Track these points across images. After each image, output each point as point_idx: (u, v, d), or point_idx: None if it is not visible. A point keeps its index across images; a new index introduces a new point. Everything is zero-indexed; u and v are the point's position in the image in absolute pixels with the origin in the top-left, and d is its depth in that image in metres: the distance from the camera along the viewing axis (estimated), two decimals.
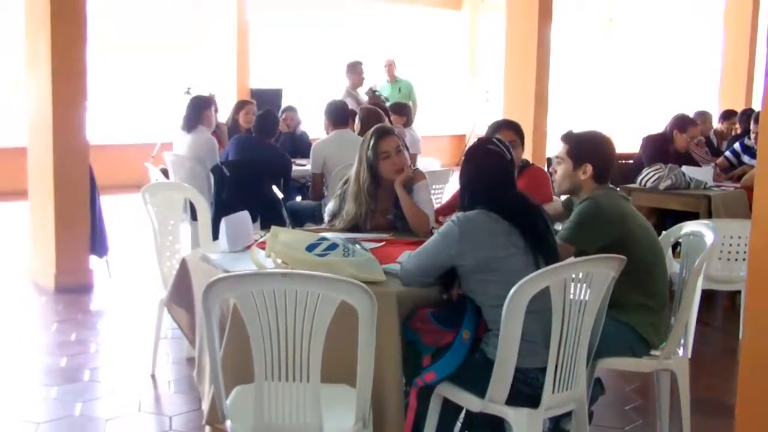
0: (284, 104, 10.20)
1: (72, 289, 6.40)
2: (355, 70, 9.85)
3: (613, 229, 3.51)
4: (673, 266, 3.81)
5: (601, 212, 3.55)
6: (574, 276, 2.96)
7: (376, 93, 9.84)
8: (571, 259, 3.07)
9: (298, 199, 7.26)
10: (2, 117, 11.65)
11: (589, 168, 3.63)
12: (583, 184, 3.66)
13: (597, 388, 3.66)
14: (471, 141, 13.23)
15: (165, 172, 7.04)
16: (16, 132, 9.89)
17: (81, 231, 6.56)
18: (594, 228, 3.53)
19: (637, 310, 3.51)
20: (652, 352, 3.57)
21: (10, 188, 9.60)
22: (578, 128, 3.92)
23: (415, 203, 4.14)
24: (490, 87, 15.75)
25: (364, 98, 9.62)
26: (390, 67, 11.22)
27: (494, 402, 3.00)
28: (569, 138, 3.73)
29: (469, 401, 3.09)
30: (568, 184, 3.71)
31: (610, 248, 3.19)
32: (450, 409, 3.26)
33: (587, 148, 3.68)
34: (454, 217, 3.22)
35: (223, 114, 8.07)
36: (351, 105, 9.32)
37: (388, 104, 9.03)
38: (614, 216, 3.55)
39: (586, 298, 3.02)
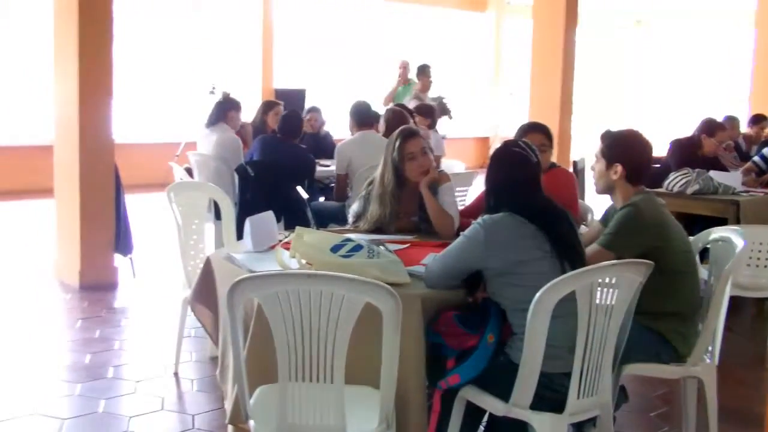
0: (308, 105, 10.22)
1: (96, 286, 6.44)
2: (424, 73, 9.72)
3: (652, 238, 3.47)
4: (701, 272, 3.76)
5: (641, 220, 3.51)
6: (600, 280, 2.93)
7: (444, 101, 9.71)
8: (598, 264, 3.03)
9: (322, 199, 7.25)
10: (29, 116, 11.76)
11: (619, 168, 3.60)
12: (616, 184, 3.63)
13: (621, 394, 3.62)
14: (495, 143, 13.25)
15: (189, 171, 7.06)
16: (43, 130, 9.97)
17: (106, 229, 6.60)
18: (633, 236, 3.48)
19: (666, 317, 3.47)
20: (679, 360, 3.53)
21: (37, 186, 9.67)
22: (615, 128, 3.88)
23: (440, 205, 4.12)
24: (515, 89, 15.70)
25: (430, 104, 9.53)
26: (404, 69, 10.97)
27: (518, 406, 2.98)
28: (605, 137, 3.70)
29: (492, 405, 3.07)
30: (603, 183, 3.68)
31: (647, 256, 3.15)
32: (473, 413, 3.24)
33: (618, 149, 3.64)
34: (479, 219, 3.20)
35: (248, 114, 8.09)
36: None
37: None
38: (654, 224, 3.52)
39: (613, 303, 2.99)
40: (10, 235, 8.77)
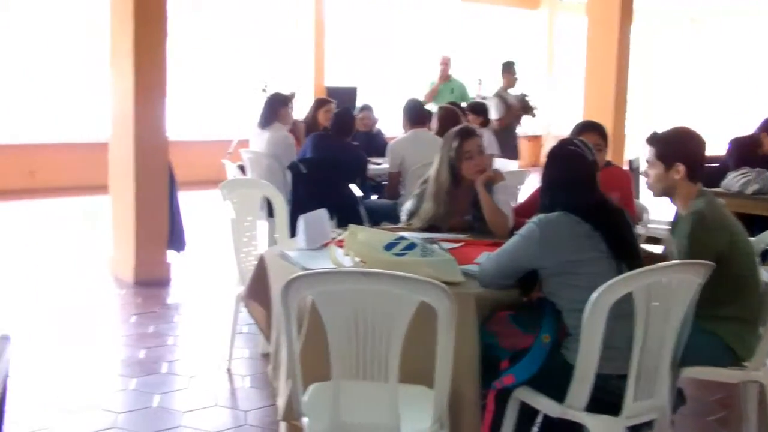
0: (359, 103, 10.19)
1: (150, 282, 6.51)
2: (509, 70, 9.59)
3: (720, 245, 3.39)
4: (762, 274, 3.67)
5: (709, 228, 3.42)
6: (658, 282, 2.88)
7: (526, 98, 9.58)
8: (657, 264, 2.97)
9: (374, 197, 7.25)
10: (85, 113, 11.95)
11: (681, 167, 3.52)
12: (678, 184, 3.55)
13: (678, 398, 3.56)
14: (548, 142, 13.10)
15: (242, 169, 7.10)
16: (99, 128, 10.12)
17: (160, 225, 6.68)
18: (704, 245, 3.39)
19: (727, 321, 3.40)
20: (739, 363, 3.46)
21: (93, 182, 9.81)
22: (663, 128, 3.80)
23: (495, 204, 4.09)
24: (568, 87, 15.55)
25: (513, 101, 9.44)
26: (445, 65, 10.69)
27: (573, 408, 2.94)
28: (655, 140, 3.62)
29: (547, 406, 3.04)
30: (662, 186, 3.60)
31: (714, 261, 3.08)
32: (527, 413, 3.21)
33: (675, 147, 3.57)
34: (534, 218, 3.16)
35: (300, 112, 8.11)
36: (498, 107, 9.13)
37: (437, 105, 8.76)
38: (720, 231, 3.44)
39: (671, 304, 2.94)
40: (66, 230, 8.92)
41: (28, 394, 4.22)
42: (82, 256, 7.54)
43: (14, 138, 11.67)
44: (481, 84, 11.78)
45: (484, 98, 9.87)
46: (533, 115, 10.01)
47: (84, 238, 8.30)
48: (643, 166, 3.82)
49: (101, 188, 7.23)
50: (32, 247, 7.95)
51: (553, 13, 17.02)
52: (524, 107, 9.48)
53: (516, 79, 9.78)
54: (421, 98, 9.03)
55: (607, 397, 2.93)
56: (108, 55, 6.89)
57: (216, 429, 3.94)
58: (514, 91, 9.82)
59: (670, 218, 3.89)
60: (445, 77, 10.62)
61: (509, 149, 8.84)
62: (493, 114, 9.07)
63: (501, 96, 9.43)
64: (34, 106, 12.09)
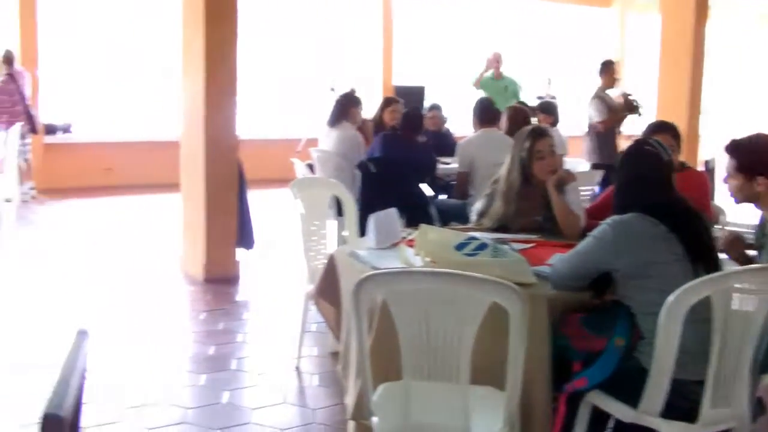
0: (426, 102, 10.18)
1: (220, 279, 6.59)
2: (608, 69, 9.20)
3: None
4: None
5: None
6: (739, 286, 2.80)
7: (630, 97, 9.22)
8: (737, 268, 2.90)
9: (442, 197, 7.22)
10: (162, 111, 12.16)
11: (763, 181, 3.39)
12: (761, 194, 3.44)
13: (757, 406, 3.45)
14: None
15: (311, 167, 7.14)
16: (170, 126, 10.28)
17: (230, 223, 6.75)
18: None
19: None
20: None
21: (167, 180, 9.97)
22: (739, 134, 3.68)
23: (567, 204, 4.04)
24: (639, 87, 15.29)
25: (612, 102, 8.98)
26: (497, 62, 10.56)
27: (647, 414, 2.88)
28: (734, 150, 3.48)
29: (620, 411, 2.98)
30: (743, 196, 3.48)
31: None
32: (599, 417, 3.15)
33: (756, 159, 3.43)
34: (608, 219, 3.11)
35: (369, 111, 8.12)
36: (600, 108, 8.69)
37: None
38: None
39: (751, 309, 2.85)
40: (140, 227, 9.08)
41: (100, 388, 4.29)
42: (154, 252, 7.67)
43: (92, 136, 11.95)
44: (550, 84, 11.61)
45: (553, 98, 9.74)
46: (639, 114, 9.21)
47: (156, 235, 8.44)
48: (719, 168, 3.72)
49: (175, 186, 7.34)
50: (107, 243, 8.11)
51: (624, 11, 16.75)
52: (629, 107, 9.02)
53: (617, 79, 9.22)
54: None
55: (682, 403, 2.86)
56: (180, 54, 6.99)
57: (284, 426, 3.96)
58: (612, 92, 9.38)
59: (752, 221, 3.78)
60: (498, 74, 10.52)
61: (608, 152, 8.40)
62: (595, 116, 8.65)
63: (601, 97, 8.88)
64: (111, 104, 12.37)
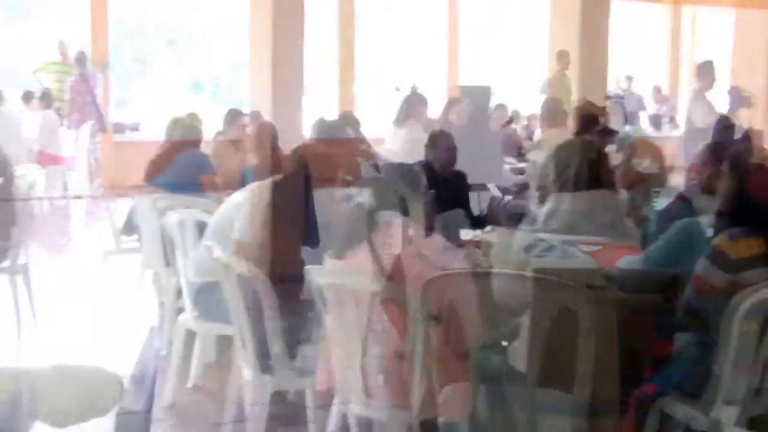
0: (492, 102, 10.12)
1: (284, 277, 6.60)
2: (705, 70, 8.71)
3: None
4: None
5: None
6: None
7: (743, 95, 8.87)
8: None
9: (507, 198, 7.17)
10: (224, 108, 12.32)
11: None
12: None
13: None
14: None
15: (376, 167, 7.14)
16: None
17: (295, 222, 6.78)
18: None
19: None
20: None
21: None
22: None
23: None
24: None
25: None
26: (564, 60, 10.42)
27: (720, 421, 2.82)
28: None
29: (691, 417, 2.92)
30: None
31: None
32: (670, 424, 3.09)
33: None
34: (679, 222, 3.07)
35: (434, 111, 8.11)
36: (700, 111, 8.21)
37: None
38: None
39: None
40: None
41: None
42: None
43: (160, 135, 12.13)
44: (631, 80, 11.36)
45: (622, 97, 9.57)
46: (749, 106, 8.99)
47: None
48: None
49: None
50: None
51: (695, 8, 16.43)
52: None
53: (714, 80, 8.65)
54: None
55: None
56: (248, 51, 7.08)
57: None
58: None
59: None
60: (563, 73, 10.38)
61: None
62: (705, 118, 8.03)
63: (698, 99, 8.34)
64: (178, 103, 12.57)
